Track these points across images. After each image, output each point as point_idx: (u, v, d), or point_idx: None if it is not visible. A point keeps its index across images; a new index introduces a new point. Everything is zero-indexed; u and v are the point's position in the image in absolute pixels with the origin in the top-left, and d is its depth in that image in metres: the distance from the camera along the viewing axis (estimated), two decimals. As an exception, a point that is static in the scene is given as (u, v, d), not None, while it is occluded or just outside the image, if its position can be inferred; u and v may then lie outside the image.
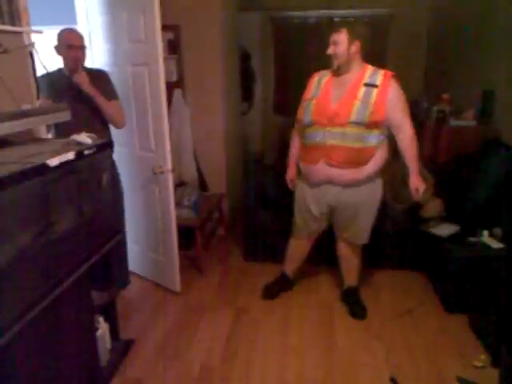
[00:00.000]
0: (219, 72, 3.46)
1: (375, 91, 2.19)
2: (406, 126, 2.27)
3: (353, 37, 2.19)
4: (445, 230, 2.84)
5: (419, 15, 4.56)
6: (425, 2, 4.53)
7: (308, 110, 2.33)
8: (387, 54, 4.74)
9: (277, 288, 2.82)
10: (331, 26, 4.74)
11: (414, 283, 2.95)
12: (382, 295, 2.82)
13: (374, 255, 3.11)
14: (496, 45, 3.29)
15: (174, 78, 3.44)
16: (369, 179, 2.33)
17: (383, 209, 3.14)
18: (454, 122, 3.32)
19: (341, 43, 2.20)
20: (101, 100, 2.37)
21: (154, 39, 2.39)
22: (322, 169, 2.31)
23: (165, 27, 3.26)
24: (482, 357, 2.18)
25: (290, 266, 2.82)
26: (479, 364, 2.14)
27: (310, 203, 2.49)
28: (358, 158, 2.25)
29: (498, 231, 2.63)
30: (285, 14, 4.72)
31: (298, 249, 2.74)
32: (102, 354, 2.06)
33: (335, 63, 2.24)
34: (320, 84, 2.34)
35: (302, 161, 2.47)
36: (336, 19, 4.76)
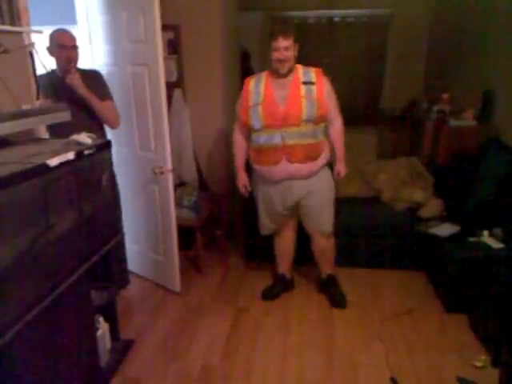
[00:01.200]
0: (219, 72, 3.46)
1: (314, 88, 2.32)
2: (338, 118, 2.48)
3: (295, 40, 2.29)
4: (445, 230, 2.84)
5: (419, 15, 4.56)
6: (425, 2, 4.53)
7: (256, 115, 2.36)
8: (387, 54, 4.75)
9: (276, 290, 2.83)
10: (331, 25, 4.80)
11: (414, 283, 2.95)
12: (382, 295, 2.82)
13: (374, 255, 3.12)
14: (496, 45, 3.29)
15: (174, 78, 3.44)
16: (322, 168, 2.49)
17: (383, 209, 3.16)
18: (453, 122, 3.33)
19: (290, 48, 2.27)
20: (94, 101, 2.37)
21: (153, 39, 2.38)
22: (283, 167, 2.38)
23: (165, 27, 3.26)
24: (482, 357, 2.17)
25: (283, 264, 2.84)
26: (479, 364, 2.14)
27: (275, 201, 2.53)
28: (314, 153, 2.40)
29: (498, 231, 2.63)
30: (285, 14, 4.72)
31: (282, 244, 2.78)
32: (102, 354, 2.06)
33: (285, 67, 2.29)
34: (259, 88, 2.39)
35: (257, 164, 2.49)
36: (336, 19, 4.77)
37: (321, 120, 2.37)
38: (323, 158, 2.46)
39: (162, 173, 2.60)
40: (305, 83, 2.33)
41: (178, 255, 2.79)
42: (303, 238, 2.75)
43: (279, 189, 2.48)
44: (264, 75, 2.42)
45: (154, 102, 2.53)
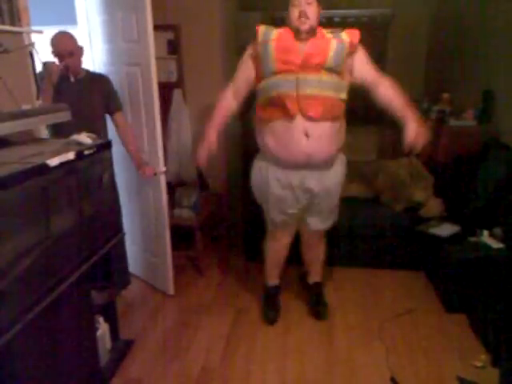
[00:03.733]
0: (219, 72, 3.45)
1: (346, 45, 2.02)
2: (383, 78, 2.13)
3: (319, 1, 2.01)
4: (445, 230, 2.84)
5: (419, 15, 4.56)
6: (425, 2, 4.53)
7: (267, 54, 1.97)
8: (387, 54, 4.74)
9: (276, 307, 2.60)
10: (331, 25, 4.79)
11: (414, 283, 2.95)
12: (382, 295, 2.82)
13: (374, 255, 3.12)
14: (496, 45, 3.29)
15: (174, 78, 3.45)
16: (338, 155, 2.21)
17: (383, 209, 3.15)
18: (453, 122, 3.32)
19: (313, 3, 1.96)
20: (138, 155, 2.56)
21: (146, 39, 2.35)
22: (298, 139, 1.99)
23: (165, 27, 3.28)
24: (482, 357, 2.17)
25: (274, 273, 2.60)
26: (479, 364, 2.14)
27: (287, 200, 2.19)
28: (334, 111, 2.03)
29: (498, 231, 2.63)
30: (285, 14, 4.72)
31: (277, 248, 2.48)
32: (102, 354, 2.06)
33: (307, 24, 1.96)
34: (271, 30, 2.05)
35: (267, 119, 2.07)
36: (336, 19, 4.76)
37: (345, 76, 2.02)
38: (339, 138, 2.10)
39: (154, 174, 2.59)
40: (335, 37, 2.01)
41: (171, 258, 2.75)
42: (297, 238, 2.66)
43: (293, 180, 2.13)
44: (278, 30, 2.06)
45: (147, 102, 2.51)
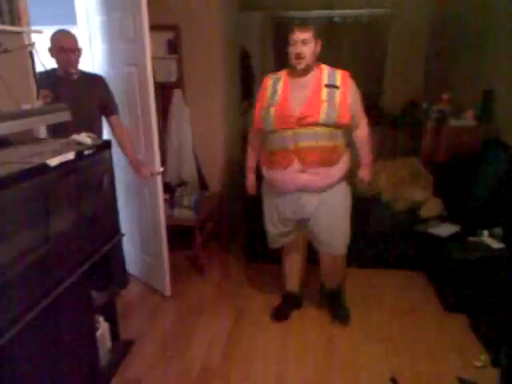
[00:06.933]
0: (219, 72, 3.45)
1: (338, 92, 2.14)
2: (364, 123, 2.31)
3: (316, 36, 2.14)
4: (445, 230, 2.84)
5: (419, 15, 4.57)
6: (425, 2, 4.53)
7: (268, 118, 2.19)
8: (387, 54, 4.75)
9: (285, 309, 2.62)
10: (332, 25, 4.80)
11: (414, 283, 2.95)
12: (383, 295, 2.82)
13: (374, 255, 3.11)
14: (496, 45, 3.29)
15: (174, 78, 3.45)
16: (339, 182, 2.28)
17: (383, 209, 3.15)
18: (454, 122, 3.33)
19: (309, 42, 2.11)
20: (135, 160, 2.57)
21: (142, 39, 2.34)
22: (292, 176, 2.19)
23: (165, 27, 3.28)
24: (482, 357, 2.17)
25: (291, 282, 2.64)
26: (479, 364, 2.14)
27: (285, 210, 2.32)
28: (330, 157, 2.18)
29: (498, 231, 2.63)
30: (285, 13, 4.72)
31: (290, 263, 2.59)
32: (102, 354, 2.06)
33: (302, 63, 2.12)
34: (276, 89, 2.22)
35: (268, 168, 2.31)
36: (336, 19, 4.77)
37: (340, 126, 2.17)
38: (341, 169, 2.23)
39: (151, 174, 2.58)
40: (328, 86, 2.14)
41: (167, 258, 2.75)
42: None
43: (288, 200, 2.28)
44: (283, 74, 2.25)
45: (143, 102, 2.50)
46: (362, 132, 2.32)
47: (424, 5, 4.53)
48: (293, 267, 2.60)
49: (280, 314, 2.59)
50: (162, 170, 2.62)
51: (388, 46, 4.76)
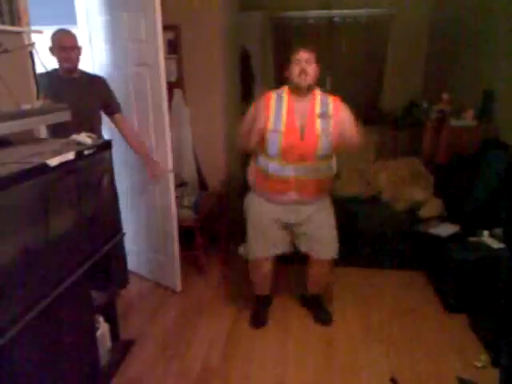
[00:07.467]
0: (219, 72, 3.45)
1: (331, 122, 2.16)
2: (356, 137, 2.22)
3: (317, 60, 2.17)
4: (445, 230, 2.84)
5: (419, 15, 4.56)
6: (425, 2, 4.53)
7: (276, 142, 2.16)
8: (387, 54, 4.75)
9: (264, 313, 2.60)
10: (331, 26, 4.80)
11: (414, 283, 2.95)
12: (382, 295, 2.82)
13: (374, 255, 3.12)
14: (496, 45, 3.29)
15: (174, 78, 3.44)
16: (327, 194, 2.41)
17: (383, 209, 3.16)
18: (454, 122, 3.33)
19: (312, 62, 2.15)
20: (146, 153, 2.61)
21: (154, 39, 2.38)
22: (291, 197, 2.24)
23: (165, 27, 3.25)
24: (482, 357, 2.18)
25: (263, 287, 2.59)
26: (479, 364, 2.14)
27: (278, 216, 2.31)
28: (326, 186, 2.33)
29: (498, 231, 2.63)
30: (285, 14, 4.72)
31: (261, 273, 2.49)
32: (102, 354, 2.06)
33: (307, 80, 2.14)
34: (281, 109, 2.19)
35: (261, 189, 2.33)
36: (336, 19, 4.77)
37: (333, 152, 2.25)
38: (330, 186, 2.41)
39: (162, 173, 2.59)
40: (321, 116, 2.16)
41: (179, 254, 2.79)
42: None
43: (283, 207, 2.30)
44: (285, 92, 2.22)
45: (155, 102, 2.52)
46: (352, 145, 2.25)
47: (424, 5, 4.53)
48: (263, 277, 2.53)
49: (258, 321, 2.55)
50: (171, 168, 2.63)
51: (388, 46, 4.75)
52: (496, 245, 2.55)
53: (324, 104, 2.19)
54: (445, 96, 3.54)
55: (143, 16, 2.40)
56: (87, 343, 1.90)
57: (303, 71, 2.13)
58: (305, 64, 2.13)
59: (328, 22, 4.78)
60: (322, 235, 2.35)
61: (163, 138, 2.56)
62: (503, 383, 1.87)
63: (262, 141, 2.21)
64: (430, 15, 4.54)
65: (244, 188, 2.63)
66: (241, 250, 3.18)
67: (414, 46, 4.62)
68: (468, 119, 3.30)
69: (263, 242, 2.39)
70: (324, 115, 2.17)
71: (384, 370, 2.14)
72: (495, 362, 2.11)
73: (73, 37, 2.32)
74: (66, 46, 2.28)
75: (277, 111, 2.19)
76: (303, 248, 2.41)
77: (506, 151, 2.85)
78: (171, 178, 2.63)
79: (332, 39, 4.74)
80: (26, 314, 1.38)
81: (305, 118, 2.17)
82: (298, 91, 2.18)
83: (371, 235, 3.08)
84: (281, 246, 2.41)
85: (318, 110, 2.18)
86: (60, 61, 2.32)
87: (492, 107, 3.23)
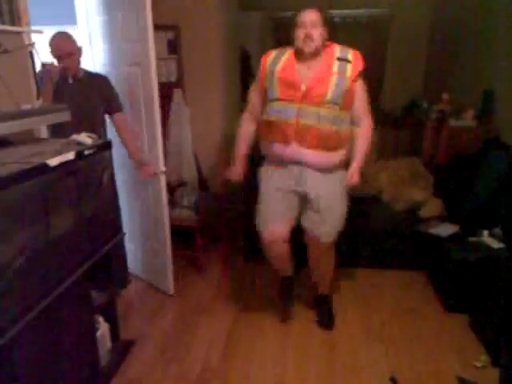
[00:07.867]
0: (219, 72, 3.46)
1: (349, 66, 2.02)
2: (368, 119, 2.14)
3: (324, 23, 2.03)
4: (445, 230, 2.84)
5: (419, 15, 4.57)
6: (425, 2, 4.54)
7: (272, 84, 2.04)
8: (387, 54, 4.75)
9: (287, 295, 2.55)
10: (331, 25, 4.78)
11: (414, 283, 2.95)
12: (383, 295, 2.82)
13: (374, 255, 3.12)
14: (496, 45, 3.29)
15: (174, 78, 3.45)
16: (340, 165, 2.16)
17: (383, 209, 3.16)
18: (454, 122, 3.33)
19: (317, 24, 1.98)
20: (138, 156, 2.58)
21: (146, 38, 2.34)
22: (294, 150, 2.07)
23: (165, 27, 3.28)
24: (482, 357, 2.17)
25: (282, 267, 2.47)
26: (479, 364, 2.14)
27: (288, 183, 2.16)
28: (330, 142, 2.05)
29: (497, 231, 2.63)
30: (285, 14, 4.72)
31: (276, 251, 2.31)
32: (102, 354, 2.06)
33: (312, 46, 1.98)
34: (279, 58, 2.08)
35: (265, 138, 2.17)
36: (336, 19, 4.76)
37: (346, 106, 2.04)
38: (339, 155, 2.11)
39: (154, 174, 2.58)
40: (339, 59, 2.02)
41: (171, 257, 2.76)
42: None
43: (292, 174, 2.15)
44: (288, 51, 2.09)
45: (147, 102, 2.51)
46: (365, 129, 2.13)
47: (424, 5, 4.53)
48: (279, 255, 2.36)
49: (288, 301, 2.54)
50: (164, 169, 2.62)
51: (388, 46, 4.76)
52: (496, 245, 2.55)
53: (343, 51, 2.07)
54: (445, 96, 3.54)
55: (136, 16, 2.38)
56: (87, 343, 1.90)
57: (308, 36, 1.96)
58: (310, 27, 1.96)
59: (328, 21, 4.78)
60: (326, 215, 2.17)
61: (155, 139, 2.54)
62: (503, 383, 1.88)
63: (263, 88, 2.13)
64: (430, 15, 4.55)
65: (242, 189, 2.60)
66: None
67: (413, 46, 4.62)
68: (468, 119, 3.30)
69: (272, 211, 2.23)
70: (342, 59, 2.02)
71: (384, 370, 2.14)
72: (495, 362, 2.11)
73: (69, 42, 2.24)
74: (61, 54, 2.20)
75: (275, 60, 2.10)
76: (305, 223, 2.25)
77: (507, 151, 2.85)
78: (163, 179, 2.62)
79: (332, 39, 4.74)
80: (26, 314, 1.38)
81: (314, 69, 2.02)
82: (304, 56, 2.04)
83: (371, 235, 3.08)
84: (288, 214, 2.23)
85: (337, 54, 2.04)
86: (58, 68, 2.30)
87: (492, 107, 3.23)
